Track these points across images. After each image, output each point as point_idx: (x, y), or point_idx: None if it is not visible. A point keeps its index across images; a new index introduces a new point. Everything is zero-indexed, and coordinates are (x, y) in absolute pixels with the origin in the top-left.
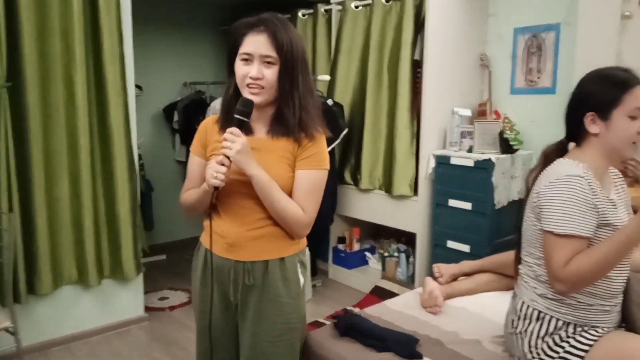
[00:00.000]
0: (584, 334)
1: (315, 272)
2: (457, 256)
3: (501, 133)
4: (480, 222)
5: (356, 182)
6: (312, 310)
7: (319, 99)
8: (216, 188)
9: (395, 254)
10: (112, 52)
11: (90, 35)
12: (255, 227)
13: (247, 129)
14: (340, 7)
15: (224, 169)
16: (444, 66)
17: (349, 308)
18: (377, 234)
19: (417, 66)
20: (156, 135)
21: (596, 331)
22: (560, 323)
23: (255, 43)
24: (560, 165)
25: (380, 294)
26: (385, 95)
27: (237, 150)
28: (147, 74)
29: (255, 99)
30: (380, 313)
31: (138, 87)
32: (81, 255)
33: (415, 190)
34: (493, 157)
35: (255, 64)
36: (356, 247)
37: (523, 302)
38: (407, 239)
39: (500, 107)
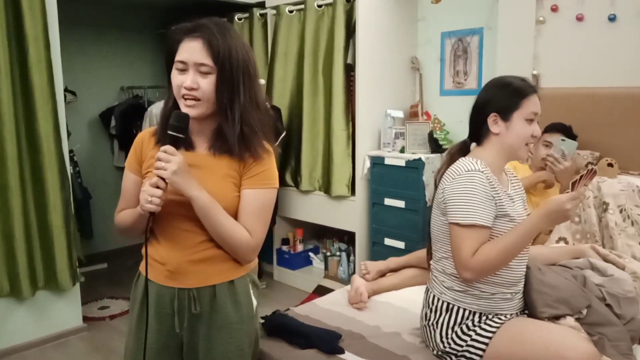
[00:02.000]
0: (488, 321)
1: (260, 274)
2: (393, 253)
3: (431, 133)
4: (414, 219)
5: (297, 184)
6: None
7: (268, 111)
8: (152, 213)
9: (337, 253)
10: (38, 58)
11: (14, 41)
12: (199, 250)
13: (187, 144)
14: (275, 12)
15: (159, 192)
16: (376, 69)
17: (282, 310)
18: (320, 234)
19: (350, 70)
20: (93, 142)
21: (499, 318)
22: (467, 313)
23: (190, 50)
24: (462, 163)
25: (322, 293)
26: (321, 98)
27: (173, 171)
28: (82, 79)
29: (191, 112)
30: (308, 312)
31: (72, 92)
32: (13, 267)
33: (352, 191)
34: (423, 157)
35: (190, 73)
36: (300, 248)
37: (434, 295)
38: (349, 237)
39: (431, 108)
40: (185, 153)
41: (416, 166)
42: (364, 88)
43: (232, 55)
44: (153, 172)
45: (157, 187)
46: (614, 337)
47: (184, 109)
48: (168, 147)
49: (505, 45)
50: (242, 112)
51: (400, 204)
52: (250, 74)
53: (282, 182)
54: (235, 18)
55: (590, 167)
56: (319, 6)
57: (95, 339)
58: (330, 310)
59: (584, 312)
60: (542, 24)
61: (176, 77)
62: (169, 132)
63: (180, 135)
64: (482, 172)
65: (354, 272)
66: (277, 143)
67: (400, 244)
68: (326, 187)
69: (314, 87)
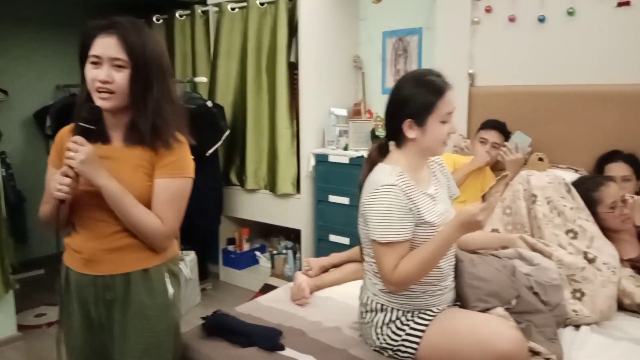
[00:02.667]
0: (421, 315)
1: (205, 275)
2: (339, 249)
3: (373, 131)
4: (357, 215)
5: (242, 182)
6: (201, 313)
7: (182, 105)
8: (62, 201)
9: (284, 251)
10: None
11: None
12: (113, 240)
13: (103, 138)
14: (217, 9)
15: (67, 180)
16: (319, 68)
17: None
18: (267, 232)
19: (293, 68)
20: (27, 143)
21: (432, 311)
22: (400, 312)
23: (104, 45)
24: (378, 174)
25: (269, 292)
26: (265, 96)
27: (81, 160)
28: (14, 78)
29: (104, 104)
30: (250, 310)
31: (3, 91)
32: None
33: (298, 188)
34: (366, 154)
35: (104, 67)
36: (246, 247)
37: (368, 297)
38: (295, 235)
39: (374, 106)
40: (101, 146)
41: (359, 163)
42: (307, 86)
43: (146, 51)
44: (64, 162)
45: (66, 176)
46: (540, 323)
47: (97, 102)
48: (77, 138)
49: (442, 45)
50: (155, 105)
51: (345, 200)
52: (164, 70)
53: (227, 181)
54: (177, 15)
55: (502, 174)
56: (262, 4)
57: (31, 348)
58: (272, 307)
59: (513, 302)
60: (477, 24)
61: (90, 71)
62: (80, 124)
63: (91, 127)
64: (396, 185)
65: (300, 270)
66: (221, 142)
67: (345, 240)
68: (272, 186)
69: (258, 85)
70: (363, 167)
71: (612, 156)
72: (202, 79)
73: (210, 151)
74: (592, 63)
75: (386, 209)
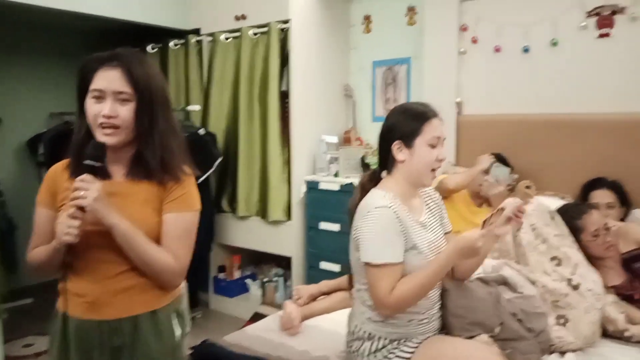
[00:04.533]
0: (407, 343)
1: (195, 303)
2: (329, 276)
3: (363, 158)
4: (348, 242)
5: (233, 209)
6: (190, 343)
7: (183, 136)
8: (68, 245)
9: (275, 279)
10: None
11: None
12: (120, 280)
13: (103, 174)
14: (210, 39)
15: (76, 222)
16: (310, 96)
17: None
18: (258, 260)
19: (285, 96)
20: (20, 170)
21: (417, 339)
22: (387, 341)
23: (108, 78)
24: (371, 198)
25: (258, 321)
26: (257, 124)
27: (94, 198)
28: (7, 105)
29: (109, 140)
30: (239, 339)
31: None
32: None
33: (289, 215)
34: (356, 181)
35: (108, 102)
36: (237, 274)
37: (356, 325)
38: (286, 262)
39: (364, 133)
40: (102, 182)
41: (350, 190)
42: (298, 114)
43: (151, 82)
44: (69, 203)
45: (74, 218)
46: (525, 350)
47: (101, 138)
48: (85, 176)
49: (430, 74)
50: (161, 138)
51: (336, 227)
52: (167, 101)
53: (219, 208)
54: (171, 45)
55: (499, 207)
56: (254, 34)
57: None
58: (260, 337)
59: (497, 330)
60: (464, 54)
61: (92, 106)
62: (86, 162)
63: (98, 164)
64: (390, 207)
65: (290, 297)
66: (213, 169)
67: (336, 267)
68: (263, 212)
69: (250, 113)
70: (354, 193)
71: (597, 183)
72: (195, 107)
73: (202, 178)
74: (576, 92)
75: (381, 230)
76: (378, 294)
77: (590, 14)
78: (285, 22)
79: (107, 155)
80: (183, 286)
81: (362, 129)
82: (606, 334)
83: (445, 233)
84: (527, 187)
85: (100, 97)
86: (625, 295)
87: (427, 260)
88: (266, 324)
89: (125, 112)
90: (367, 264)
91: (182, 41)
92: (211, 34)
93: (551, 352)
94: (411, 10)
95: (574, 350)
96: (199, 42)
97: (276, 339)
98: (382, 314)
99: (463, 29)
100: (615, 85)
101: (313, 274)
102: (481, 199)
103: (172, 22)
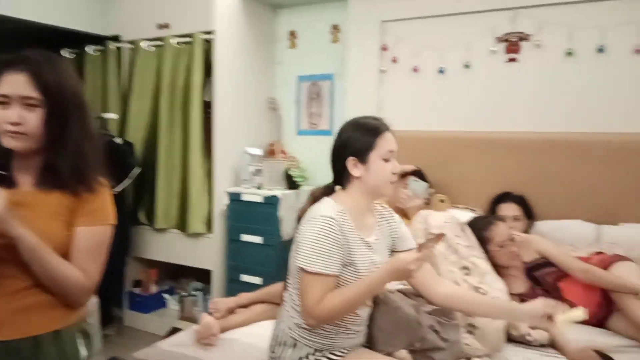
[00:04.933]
0: (330, 355)
1: (108, 320)
2: (250, 289)
3: (287, 171)
4: (270, 255)
5: (151, 221)
6: None
7: (101, 145)
8: None
9: (194, 293)
10: None
11: None
12: (21, 297)
13: (8, 182)
14: (131, 46)
15: None
16: (234, 108)
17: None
18: (177, 273)
19: (208, 107)
20: None
21: (341, 351)
22: (311, 350)
23: (13, 83)
24: (321, 205)
25: None
26: (178, 134)
27: (3, 208)
28: None
29: (16, 145)
30: (150, 355)
31: None
32: None
33: (209, 227)
34: (279, 193)
35: (15, 107)
36: (154, 289)
37: (282, 329)
38: (206, 276)
39: (288, 146)
40: (7, 191)
41: (273, 202)
42: (221, 125)
43: (63, 87)
44: None
45: None
46: (440, 359)
47: (7, 143)
48: None
49: (353, 91)
50: (74, 145)
51: (258, 239)
52: (82, 106)
53: (136, 221)
54: (90, 51)
55: (438, 233)
56: (178, 44)
57: None
58: (173, 352)
59: (417, 345)
60: (385, 73)
61: None
62: None
63: (3, 173)
64: (334, 219)
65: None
66: (130, 180)
67: (258, 280)
68: (182, 225)
69: (171, 123)
70: (306, 201)
71: (504, 197)
72: (112, 115)
73: (118, 189)
74: (486, 112)
75: (320, 239)
76: (307, 302)
77: (499, 40)
78: (210, 33)
79: (14, 163)
80: (94, 303)
81: (286, 142)
82: (510, 339)
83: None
84: (441, 200)
85: (5, 102)
86: (528, 301)
87: (358, 280)
88: (179, 338)
89: (33, 118)
90: (302, 269)
91: (100, 47)
92: (132, 42)
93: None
94: (335, 28)
95: (480, 357)
96: (119, 49)
97: (190, 354)
98: (307, 323)
99: (384, 48)
100: (521, 106)
101: (234, 287)
102: (399, 211)
103: (90, 27)
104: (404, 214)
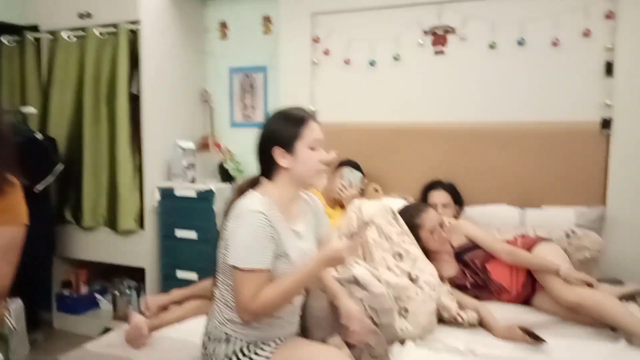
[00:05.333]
0: (263, 347)
1: (36, 324)
2: (187, 286)
3: (221, 164)
4: (206, 250)
5: (78, 220)
6: None
7: (13, 142)
8: None
9: (127, 292)
10: None
11: None
12: None
13: None
14: (51, 37)
15: None
16: (163, 100)
17: None
18: (109, 273)
19: (136, 100)
20: None
21: (275, 342)
22: (244, 343)
23: None
24: (247, 200)
25: None
26: (104, 128)
27: None
28: None
29: None
30: (77, 358)
31: None
32: None
33: (141, 224)
34: (214, 187)
35: None
36: (84, 290)
37: (214, 326)
38: (139, 274)
39: (222, 139)
40: None
41: (207, 197)
42: (151, 119)
43: None
44: None
45: None
46: (373, 343)
47: None
48: None
49: (286, 83)
50: None
51: (192, 235)
52: None
53: (61, 219)
54: (5, 41)
55: (364, 221)
56: (101, 34)
57: None
58: (103, 353)
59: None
60: (317, 65)
61: None
62: None
63: None
64: (262, 212)
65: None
66: (53, 177)
67: (193, 276)
68: (112, 222)
69: (96, 116)
70: (231, 194)
71: (434, 185)
72: (30, 109)
73: (40, 187)
74: (416, 103)
75: (250, 234)
76: (241, 299)
77: (427, 33)
78: (135, 23)
79: None
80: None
81: (220, 134)
82: (442, 320)
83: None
84: (376, 190)
85: None
86: (458, 284)
87: (292, 269)
88: (110, 339)
89: None
90: (234, 267)
91: (17, 38)
92: (51, 32)
93: (393, 342)
94: (266, 19)
95: (413, 339)
96: (37, 40)
97: (121, 354)
98: (243, 318)
99: (315, 40)
100: (449, 97)
101: (169, 284)
102: (335, 201)
103: (5, 16)
104: (340, 204)
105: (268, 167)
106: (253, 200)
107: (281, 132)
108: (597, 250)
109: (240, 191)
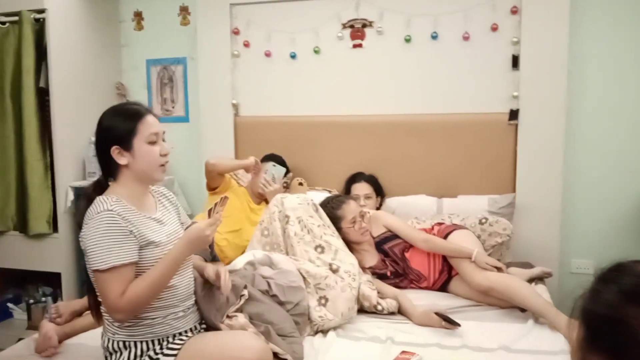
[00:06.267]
0: (170, 345)
1: None
2: None
3: None
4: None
5: None
6: None
7: None
8: None
9: (43, 299)
10: None
11: None
12: None
13: None
14: None
15: None
16: (75, 94)
17: None
18: (22, 280)
19: (45, 94)
20: None
21: (180, 339)
22: (144, 344)
23: None
24: (94, 205)
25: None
26: (10, 125)
27: None
28: None
29: None
30: None
31: None
32: None
33: (55, 227)
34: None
35: None
36: None
37: (108, 338)
38: (56, 279)
39: None
40: None
41: None
42: (62, 114)
43: None
44: None
45: None
46: (278, 320)
47: None
48: None
49: (206, 76)
50: None
51: None
52: None
53: None
54: None
55: (222, 196)
56: (3, 23)
57: None
58: None
59: (245, 292)
60: (238, 57)
61: None
62: None
63: None
64: (109, 210)
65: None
66: None
67: None
68: (22, 226)
69: (1, 113)
70: (81, 205)
71: (356, 177)
72: None
73: None
74: (338, 96)
75: (104, 235)
76: (109, 299)
77: (345, 26)
78: (41, 12)
79: None
80: None
81: None
82: (363, 310)
83: (186, 227)
84: (300, 183)
85: None
86: (379, 273)
87: (166, 253)
88: (16, 349)
89: None
90: (96, 271)
91: None
92: None
93: (316, 333)
94: (184, 10)
95: (335, 329)
96: None
97: None
98: (116, 319)
99: (235, 32)
100: (368, 90)
101: (89, 289)
102: (260, 197)
103: None
104: (266, 200)
105: (109, 168)
106: (99, 202)
107: (116, 129)
108: (508, 236)
109: (89, 199)
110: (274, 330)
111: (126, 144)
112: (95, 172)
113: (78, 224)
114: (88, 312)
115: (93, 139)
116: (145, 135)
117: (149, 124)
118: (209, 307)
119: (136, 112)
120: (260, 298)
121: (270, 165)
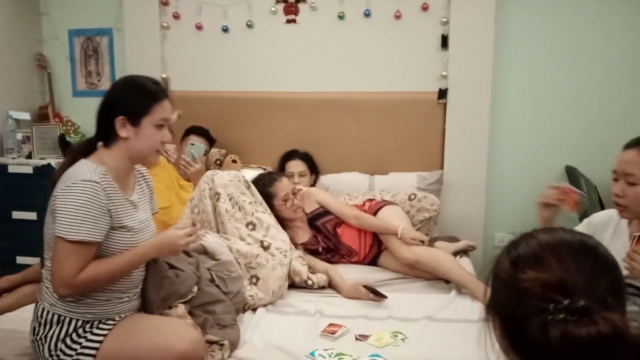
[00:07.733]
0: (100, 325)
1: None
2: None
3: (62, 136)
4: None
5: None
6: None
7: None
8: None
9: None
10: None
11: None
12: None
13: None
14: None
15: None
16: None
17: None
18: None
19: None
20: None
21: (113, 320)
22: (79, 322)
23: None
24: (79, 168)
25: None
26: None
27: None
28: None
29: None
30: None
31: None
32: None
33: None
34: (54, 162)
35: None
36: None
37: (44, 308)
38: None
39: (64, 109)
40: None
41: (46, 172)
42: None
43: None
44: None
45: None
46: (221, 311)
47: None
48: None
49: (133, 48)
50: None
51: (32, 215)
52: None
53: None
54: None
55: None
56: None
57: None
58: None
59: (195, 289)
60: (167, 29)
61: None
62: None
63: None
64: (98, 182)
65: None
66: None
67: (36, 261)
68: None
69: None
70: (64, 160)
71: (291, 155)
72: None
73: None
74: (272, 72)
75: (82, 206)
76: (63, 272)
77: (278, 1)
78: None
79: None
80: None
81: (61, 104)
82: (294, 285)
83: (153, 213)
84: (234, 160)
85: None
86: (311, 249)
87: (136, 239)
88: None
89: None
90: (61, 238)
91: None
92: None
93: (245, 311)
94: None
95: (265, 305)
96: None
97: None
98: (60, 292)
99: (164, 3)
100: (302, 67)
101: (9, 272)
102: (186, 178)
103: None
104: (189, 180)
105: (106, 134)
106: (87, 168)
107: (129, 102)
108: (435, 211)
109: (73, 158)
110: (215, 320)
111: (134, 120)
112: (13, 148)
113: (52, 181)
114: (5, 294)
115: (11, 113)
116: (156, 118)
117: (164, 109)
118: (155, 297)
119: (155, 93)
120: (206, 289)
121: (188, 146)
